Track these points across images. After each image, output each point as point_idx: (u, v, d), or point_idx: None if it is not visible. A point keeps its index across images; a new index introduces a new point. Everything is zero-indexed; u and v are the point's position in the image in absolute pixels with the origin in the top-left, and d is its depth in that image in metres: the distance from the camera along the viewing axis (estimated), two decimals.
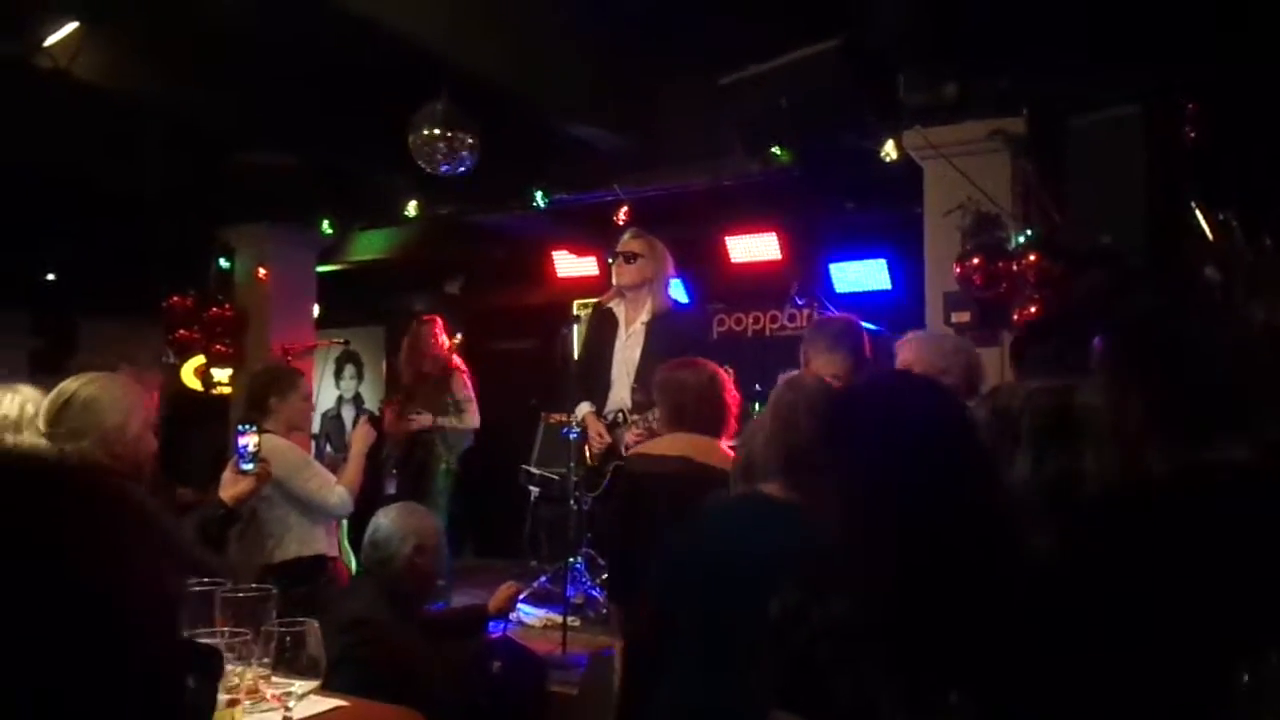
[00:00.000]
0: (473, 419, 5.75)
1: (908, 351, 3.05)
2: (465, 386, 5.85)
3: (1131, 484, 1.57)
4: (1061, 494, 1.68)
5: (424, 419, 5.64)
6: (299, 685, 1.90)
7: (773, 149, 5.00)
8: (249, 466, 2.97)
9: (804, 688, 1.55)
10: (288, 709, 1.90)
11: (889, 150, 4.78)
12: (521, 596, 4.22)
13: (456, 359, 5.88)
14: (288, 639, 1.89)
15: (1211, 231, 3.79)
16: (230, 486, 2.95)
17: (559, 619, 4.63)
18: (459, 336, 5.96)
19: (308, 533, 3.80)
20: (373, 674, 2.60)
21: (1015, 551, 1.47)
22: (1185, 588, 1.34)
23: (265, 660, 1.88)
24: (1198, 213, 3.79)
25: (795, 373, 2.60)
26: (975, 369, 3.06)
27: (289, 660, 1.89)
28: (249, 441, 2.97)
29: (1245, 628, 1.28)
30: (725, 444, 3.11)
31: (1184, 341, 1.53)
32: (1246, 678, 1.09)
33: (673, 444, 3.20)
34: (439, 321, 5.98)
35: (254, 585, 2.14)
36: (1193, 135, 3.81)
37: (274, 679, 1.88)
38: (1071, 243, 4.02)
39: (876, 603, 1.48)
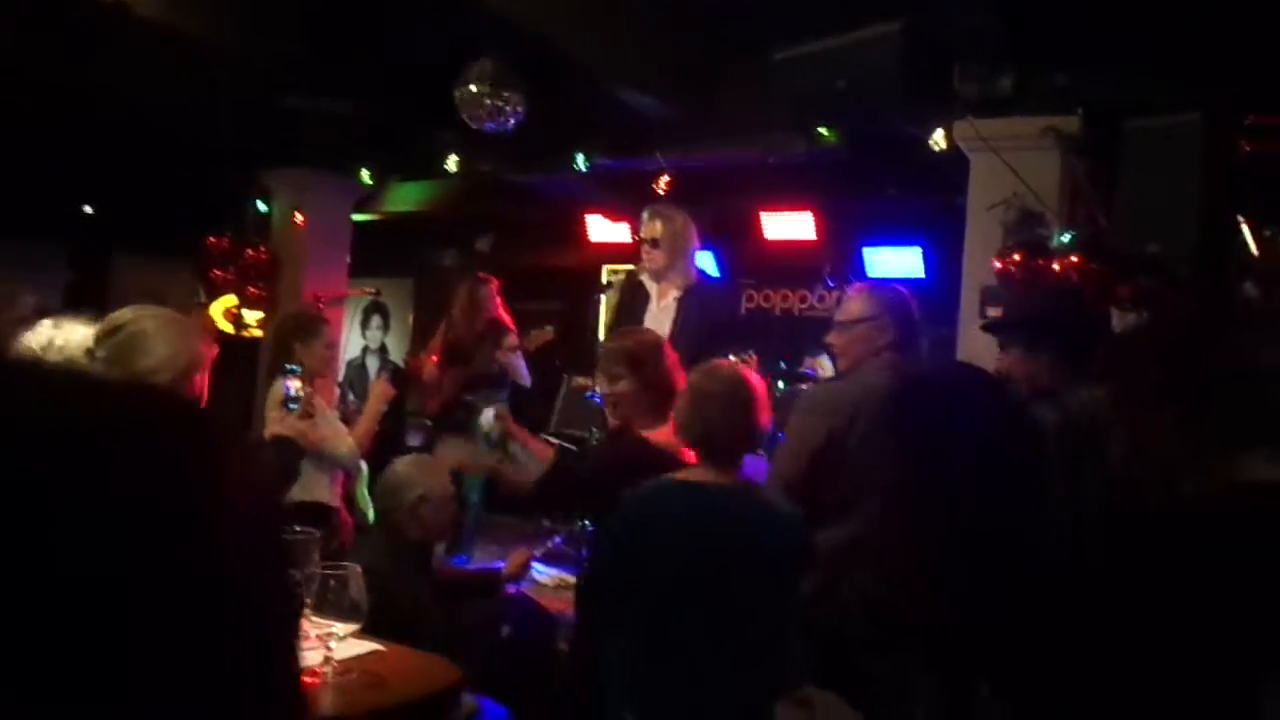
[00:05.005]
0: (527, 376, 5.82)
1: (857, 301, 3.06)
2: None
3: (1164, 500, 1.57)
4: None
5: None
6: (340, 627, 1.95)
7: (820, 128, 4.97)
8: (294, 408, 3.06)
9: (837, 667, 1.59)
10: (329, 649, 1.95)
11: (938, 139, 4.75)
12: (536, 555, 4.30)
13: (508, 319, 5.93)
14: (331, 581, 1.94)
15: (1257, 247, 3.75)
16: (275, 425, 3.07)
17: (571, 579, 4.70)
18: None
19: (311, 479, 3.81)
20: (376, 623, 2.63)
21: (1059, 557, 1.49)
22: (1212, 603, 1.35)
23: (308, 601, 1.93)
24: (1244, 227, 3.75)
25: (712, 362, 2.68)
26: (912, 322, 3.03)
27: (332, 602, 1.94)
28: (293, 385, 3.05)
29: (1274, 643, 1.30)
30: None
31: (1231, 356, 1.46)
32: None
33: None
34: (495, 283, 6.01)
35: (297, 528, 2.19)
36: (1248, 148, 3.76)
37: (316, 619, 1.93)
38: (1116, 247, 4.00)
39: (915, 591, 1.50)
